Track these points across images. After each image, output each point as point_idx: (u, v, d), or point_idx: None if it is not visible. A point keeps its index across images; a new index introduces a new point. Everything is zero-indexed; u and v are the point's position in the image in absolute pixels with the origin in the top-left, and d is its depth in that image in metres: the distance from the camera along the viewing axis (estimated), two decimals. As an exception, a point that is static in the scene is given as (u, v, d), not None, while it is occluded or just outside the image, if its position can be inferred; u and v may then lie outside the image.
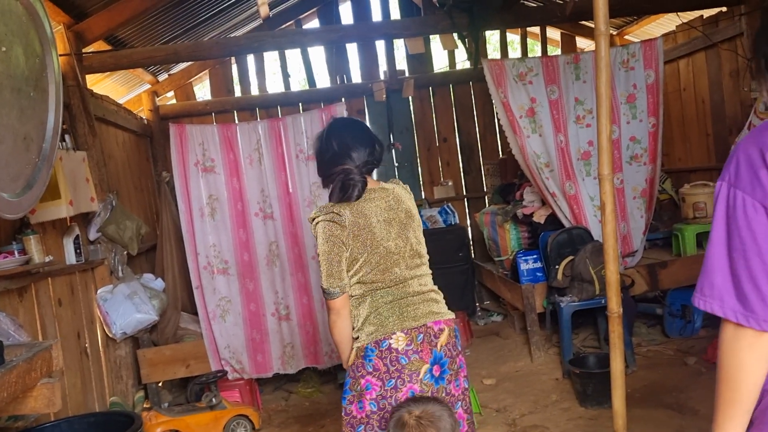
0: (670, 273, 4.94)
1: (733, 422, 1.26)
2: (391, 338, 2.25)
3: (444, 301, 2.44)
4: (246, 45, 4.91)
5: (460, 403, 2.33)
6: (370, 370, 2.25)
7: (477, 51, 4.84)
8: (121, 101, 6.33)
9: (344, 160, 2.32)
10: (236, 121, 6.82)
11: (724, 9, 5.35)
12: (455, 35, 4.95)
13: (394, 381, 2.24)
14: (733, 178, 1.25)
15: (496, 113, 5.00)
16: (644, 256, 5.24)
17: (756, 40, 1.32)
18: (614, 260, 2.37)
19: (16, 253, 3.18)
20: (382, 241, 2.29)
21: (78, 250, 4.03)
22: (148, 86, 6.62)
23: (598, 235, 4.76)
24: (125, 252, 4.53)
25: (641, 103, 4.95)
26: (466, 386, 2.36)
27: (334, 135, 2.39)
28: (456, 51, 6.90)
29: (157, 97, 6.72)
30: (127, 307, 4.33)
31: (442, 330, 2.30)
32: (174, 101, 7.03)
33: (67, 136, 3.95)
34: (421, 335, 2.26)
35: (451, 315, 2.38)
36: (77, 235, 4.04)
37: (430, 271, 2.46)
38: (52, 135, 2.99)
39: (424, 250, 2.45)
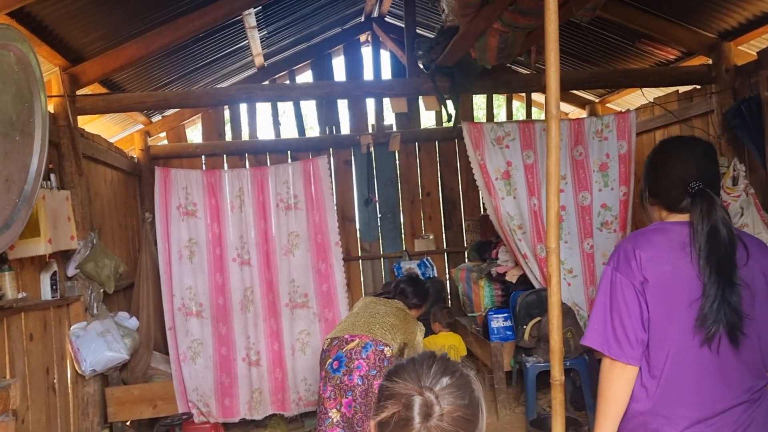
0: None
1: (606, 428, 1.88)
2: (324, 343, 3.59)
3: (383, 330, 3.49)
4: (236, 96, 5.09)
5: (350, 392, 3.30)
6: None
7: (457, 113, 5.03)
8: (113, 140, 6.48)
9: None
10: (225, 165, 6.99)
11: (698, 86, 5.57)
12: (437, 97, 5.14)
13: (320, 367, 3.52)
14: (616, 265, 1.93)
15: (474, 174, 5.15)
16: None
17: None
18: (558, 329, 2.47)
19: (-10, 288, 3.27)
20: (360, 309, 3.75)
21: (54, 287, 4.11)
22: (141, 126, 6.78)
23: (566, 298, 4.87)
24: (102, 290, 4.60)
25: (613, 172, 5.12)
26: (360, 383, 3.30)
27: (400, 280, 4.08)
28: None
29: (149, 137, 6.88)
30: (98, 344, 4.39)
31: (353, 340, 3.42)
32: (166, 142, 7.19)
33: (52, 175, 4.06)
34: (336, 341, 3.47)
35: (371, 335, 3.40)
36: (55, 272, 4.13)
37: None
38: (35, 177, 3.12)
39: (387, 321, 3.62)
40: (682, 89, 5.93)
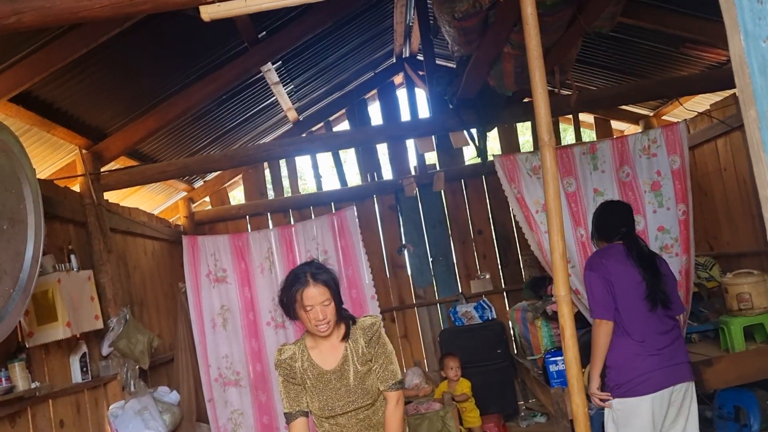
0: (716, 371, 4.48)
1: (597, 365, 3.20)
2: None
3: None
4: (260, 155, 5.01)
5: None
6: None
7: (484, 146, 4.74)
8: (158, 210, 6.54)
9: None
10: (270, 224, 6.90)
11: (756, 85, 5.06)
12: (465, 132, 4.87)
13: None
14: (592, 269, 3.29)
15: (512, 209, 4.80)
16: (691, 351, 4.80)
17: None
18: (579, 392, 2.12)
19: (2, 380, 3.19)
20: None
21: (85, 368, 4.04)
22: (184, 193, 6.82)
23: (628, 335, 4.41)
24: (137, 366, 4.51)
25: (667, 191, 4.66)
26: None
27: None
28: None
29: (193, 203, 6.90)
30: (136, 423, 4.26)
31: None
32: (210, 206, 7.20)
33: (72, 257, 4.03)
34: None
35: None
36: (84, 353, 4.06)
37: None
38: (31, 264, 3.04)
39: None
40: (739, 91, 5.42)
